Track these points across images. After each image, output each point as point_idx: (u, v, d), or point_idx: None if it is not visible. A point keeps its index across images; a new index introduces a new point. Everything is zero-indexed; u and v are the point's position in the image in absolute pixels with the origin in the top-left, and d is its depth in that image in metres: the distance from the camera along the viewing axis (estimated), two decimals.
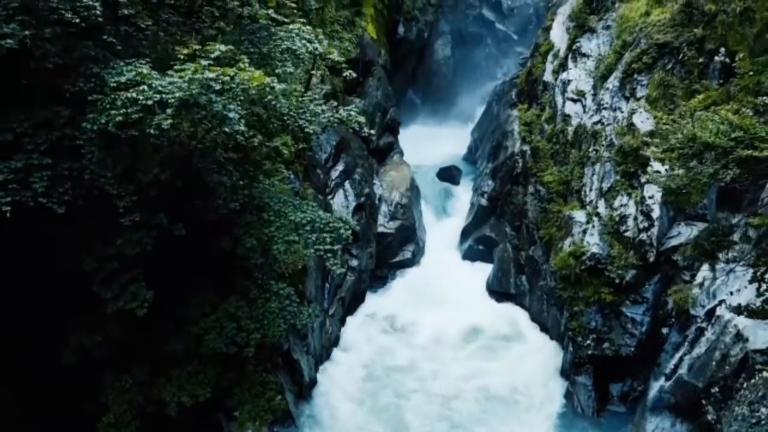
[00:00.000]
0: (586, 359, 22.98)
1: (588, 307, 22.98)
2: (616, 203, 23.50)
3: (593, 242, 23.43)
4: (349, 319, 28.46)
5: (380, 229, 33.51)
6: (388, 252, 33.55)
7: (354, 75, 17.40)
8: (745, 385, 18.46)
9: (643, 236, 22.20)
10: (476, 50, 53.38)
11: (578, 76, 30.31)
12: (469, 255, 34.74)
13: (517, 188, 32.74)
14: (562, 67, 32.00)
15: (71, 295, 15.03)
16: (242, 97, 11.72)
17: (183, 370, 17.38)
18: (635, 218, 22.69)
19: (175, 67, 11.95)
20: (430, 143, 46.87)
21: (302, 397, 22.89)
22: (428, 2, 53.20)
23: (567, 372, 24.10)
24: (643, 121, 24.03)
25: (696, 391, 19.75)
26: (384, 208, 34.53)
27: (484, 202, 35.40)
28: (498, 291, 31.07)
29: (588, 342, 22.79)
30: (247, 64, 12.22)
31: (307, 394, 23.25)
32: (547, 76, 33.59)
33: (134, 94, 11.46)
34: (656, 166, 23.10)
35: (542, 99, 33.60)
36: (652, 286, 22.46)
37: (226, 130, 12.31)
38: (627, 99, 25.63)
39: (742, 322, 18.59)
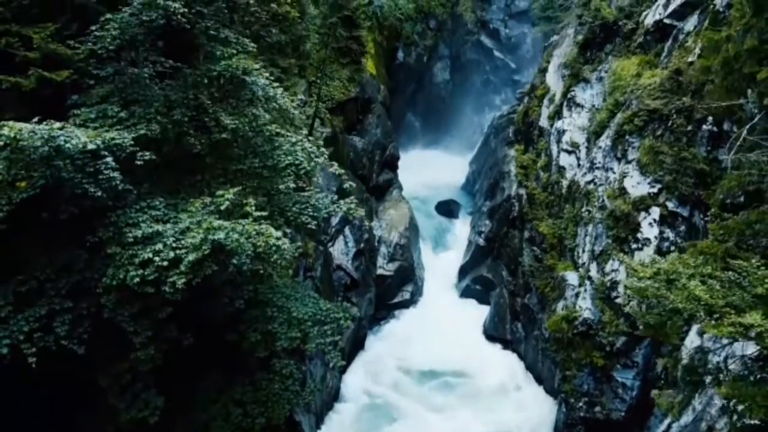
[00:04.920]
0: (578, 420, 23.79)
1: (580, 371, 23.79)
2: (608, 268, 24.26)
3: (585, 307, 24.22)
4: (349, 368, 29.14)
5: (379, 271, 34.18)
6: (387, 294, 34.29)
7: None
8: None
9: (633, 303, 22.92)
10: (474, 76, 54.20)
11: (572, 126, 31.04)
12: (467, 294, 35.60)
13: (513, 232, 33.55)
14: (558, 114, 32.71)
15: (83, 395, 15.82)
16: (250, 252, 12.50)
17: None
18: (626, 285, 23.40)
19: (189, 221, 12.74)
20: (429, 168, 47.76)
21: None
22: (427, 27, 53.87)
23: (560, 430, 24.94)
24: (634, 186, 24.76)
25: None
26: (383, 249, 35.23)
27: (481, 241, 36.18)
28: (494, 336, 31.89)
29: (580, 404, 23.62)
30: (253, 208, 12.99)
31: None
32: (543, 122, 34.34)
33: (150, 254, 12.28)
34: (646, 233, 24.05)
35: (538, 144, 34.38)
36: (642, 350, 23.24)
37: (234, 261, 13.14)
38: (619, 160, 26.32)
39: None
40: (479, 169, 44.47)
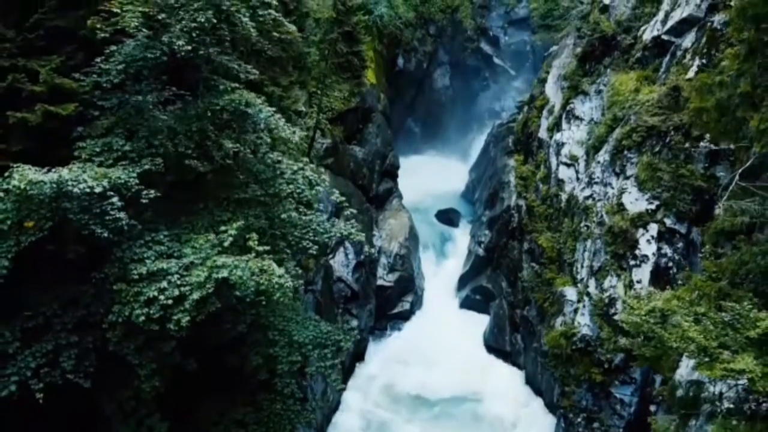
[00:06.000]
0: None
1: (579, 386, 24.01)
2: (606, 284, 24.45)
3: (584, 323, 24.42)
4: (350, 380, 29.30)
5: (379, 282, 34.28)
6: (387, 304, 34.42)
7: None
8: None
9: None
10: (474, 82, 54.28)
11: (571, 139, 31.22)
12: (466, 305, 35.77)
13: (512, 243, 33.72)
14: (557, 126, 32.89)
15: (87, 423, 16.04)
16: (253, 288, 12.72)
17: None
18: (624, 302, 23.61)
19: (193, 256, 12.95)
20: (429, 174, 47.63)
21: None
22: (427, 33, 54.00)
23: None
24: (632, 202, 24.96)
25: None
26: (383, 260, 35.34)
27: (480, 252, 36.36)
28: (494, 347, 32.10)
29: (579, 420, 23.84)
30: (256, 242, 13.20)
31: None
32: (542, 133, 34.52)
33: (155, 292, 12.51)
34: (644, 249, 24.24)
35: (537, 156, 34.56)
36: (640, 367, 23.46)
37: (237, 293, 13.35)
38: (617, 175, 26.52)
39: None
40: (479, 177, 44.61)
